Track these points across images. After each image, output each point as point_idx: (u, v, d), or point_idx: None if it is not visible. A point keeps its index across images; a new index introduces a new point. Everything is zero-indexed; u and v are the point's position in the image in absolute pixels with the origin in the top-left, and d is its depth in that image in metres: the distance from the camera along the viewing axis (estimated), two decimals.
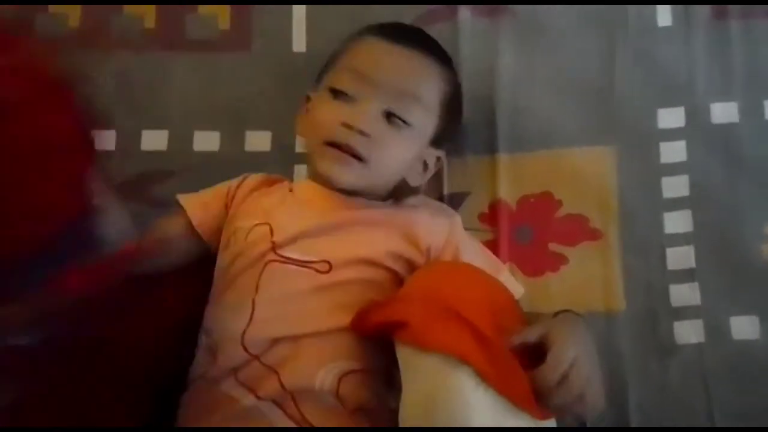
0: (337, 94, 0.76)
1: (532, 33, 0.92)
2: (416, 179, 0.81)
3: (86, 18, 0.93)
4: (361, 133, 0.74)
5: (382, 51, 0.78)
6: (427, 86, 0.78)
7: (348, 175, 0.75)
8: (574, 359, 0.62)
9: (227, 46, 0.93)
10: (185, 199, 0.81)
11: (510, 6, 0.92)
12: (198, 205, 0.81)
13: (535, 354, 0.64)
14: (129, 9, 0.94)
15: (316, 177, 0.78)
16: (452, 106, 0.82)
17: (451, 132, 0.83)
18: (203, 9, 0.94)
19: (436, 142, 0.81)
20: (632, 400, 0.83)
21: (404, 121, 0.76)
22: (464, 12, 0.92)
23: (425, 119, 0.78)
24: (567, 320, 0.70)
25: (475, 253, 0.80)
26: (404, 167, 0.79)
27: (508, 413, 0.60)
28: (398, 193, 0.82)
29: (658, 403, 0.83)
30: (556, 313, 0.73)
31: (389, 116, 0.76)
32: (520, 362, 0.62)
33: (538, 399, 0.61)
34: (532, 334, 0.64)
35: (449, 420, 0.60)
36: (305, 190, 0.79)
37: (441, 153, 0.83)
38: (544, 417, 0.62)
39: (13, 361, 0.61)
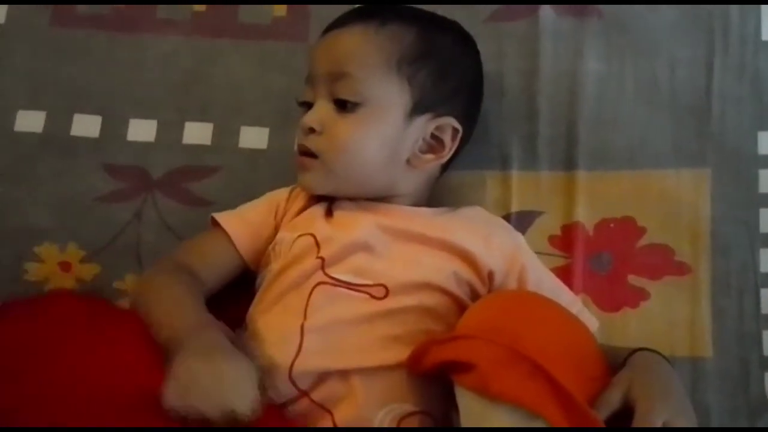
0: (304, 106, 0.74)
1: (622, 36, 0.84)
2: (426, 159, 0.72)
3: None
4: (310, 130, 0.71)
5: (318, 47, 0.74)
6: (357, 57, 0.70)
7: (311, 179, 0.72)
8: (664, 423, 0.54)
9: (282, 34, 0.86)
10: (226, 222, 0.74)
11: (598, 7, 0.84)
12: (242, 228, 0.74)
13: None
14: None
15: None
16: (418, 63, 0.71)
17: (443, 94, 0.72)
18: None
19: (428, 110, 0.71)
20: None
21: (352, 102, 0.70)
22: (546, 10, 0.84)
23: (378, 88, 0.70)
24: (649, 367, 0.61)
25: (543, 281, 0.72)
26: (382, 149, 0.70)
27: None
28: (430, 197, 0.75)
29: None
30: (634, 351, 0.63)
31: (339, 104, 0.70)
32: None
33: None
34: (614, 400, 0.56)
35: None
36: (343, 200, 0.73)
37: (451, 121, 0.72)
38: None
39: None
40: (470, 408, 0.55)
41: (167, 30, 0.87)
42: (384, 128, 0.70)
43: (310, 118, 0.71)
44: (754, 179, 0.79)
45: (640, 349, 0.64)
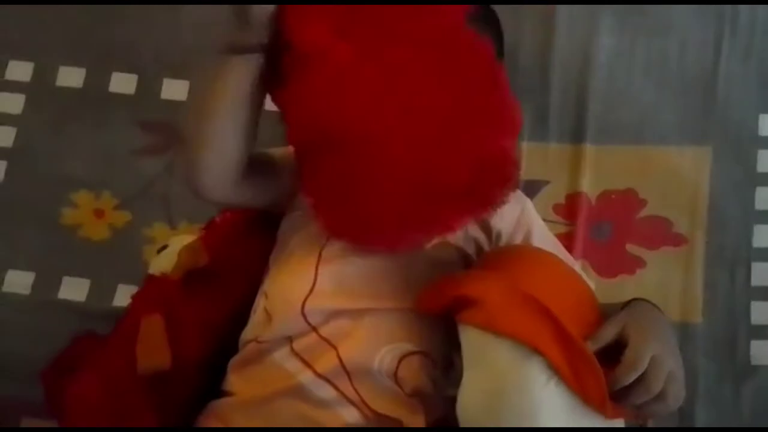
0: None
1: (635, 13, 0.87)
2: None
3: None
4: None
5: None
6: None
7: None
8: (653, 357, 0.58)
9: None
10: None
11: None
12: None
13: (612, 349, 0.59)
14: None
15: None
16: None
17: None
18: None
19: None
20: (699, 419, 0.78)
21: None
22: None
23: None
24: (643, 312, 0.65)
25: (546, 245, 0.75)
26: None
27: (578, 412, 0.56)
28: None
29: (727, 426, 0.78)
30: (627, 302, 0.68)
31: None
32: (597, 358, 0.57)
33: (613, 398, 0.56)
34: (608, 335, 0.59)
35: (514, 413, 0.56)
36: None
37: None
38: (617, 417, 0.57)
39: None
40: (472, 344, 0.59)
41: None
42: None
43: None
44: (754, 159, 0.83)
45: (637, 299, 0.68)
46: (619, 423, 0.60)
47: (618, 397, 0.56)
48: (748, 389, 0.78)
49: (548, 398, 0.56)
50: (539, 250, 0.68)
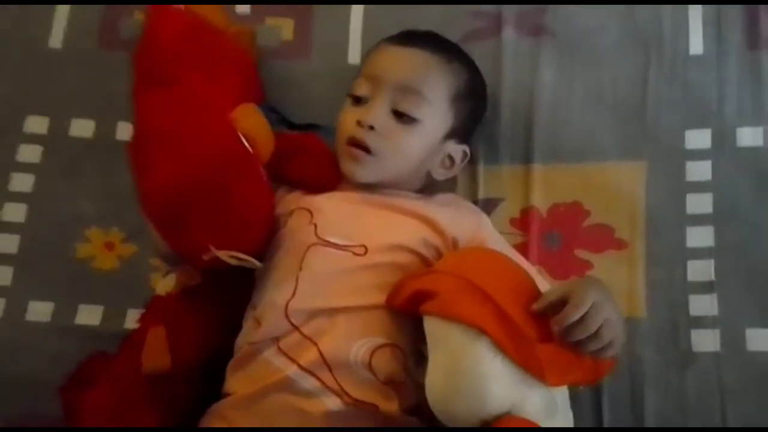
0: (355, 99, 0.85)
1: (572, 52, 0.98)
2: (441, 173, 0.88)
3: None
4: (370, 128, 0.82)
5: (390, 53, 0.87)
6: (430, 82, 0.84)
7: (361, 170, 0.84)
8: (594, 303, 0.68)
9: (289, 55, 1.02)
10: None
11: (551, 27, 0.99)
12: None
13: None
14: None
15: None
16: (465, 101, 0.87)
17: (472, 126, 0.89)
18: (270, 20, 1.03)
19: (458, 136, 0.88)
20: (649, 405, 0.87)
21: (411, 117, 0.83)
22: (508, 31, 0.99)
23: (434, 113, 0.85)
24: (587, 279, 0.78)
25: (504, 250, 0.86)
26: (419, 160, 0.85)
27: (523, 383, 0.66)
28: (429, 189, 0.89)
29: (675, 410, 0.87)
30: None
31: (397, 114, 0.83)
32: (546, 329, 0.68)
33: (555, 363, 0.66)
34: (551, 295, 0.70)
35: (469, 387, 0.66)
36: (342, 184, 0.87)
37: (465, 147, 0.89)
38: (558, 384, 0.67)
39: None
40: (432, 330, 0.70)
41: None
42: (427, 145, 0.85)
43: (373, 118, 0.82)
44: (683, 170, 0.93)
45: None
46: (563, 392, 0.70)
47: (562, 337, 0.66)
48: (691, 374, 0.87)
49: (496, 372, 0.66)
50: (485, 249, 0.79)
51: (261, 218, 0.79)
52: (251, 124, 0.77)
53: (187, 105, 0.76)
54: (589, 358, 0.70)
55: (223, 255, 0.75)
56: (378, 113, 0.83)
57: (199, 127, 0.74)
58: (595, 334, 0.67)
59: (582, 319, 0.67)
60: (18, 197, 1.00)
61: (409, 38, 0.88)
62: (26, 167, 1.01)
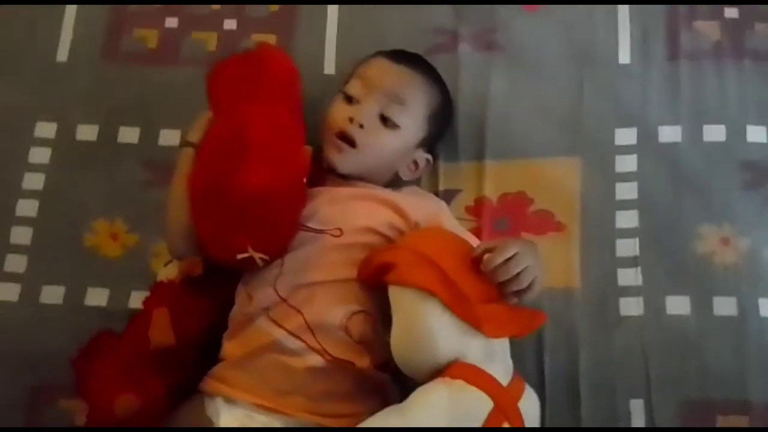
0: (348, 97, 0.98)
1: (519, 66, 1.12)
2: (407, 174, 1.02)
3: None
4: (360, 125, 0.94)
5: (385, 65, 1.00)
6: (416, 96, 0.99)
7: (344, 161, 0.95)
8: (517, 252, 0.82)
9: None
10: None
11: (502, 43, 1.13)
12: None
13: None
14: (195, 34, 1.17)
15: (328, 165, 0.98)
16: (439, 117, 1.02)
17: (437, 139, 1.04)
18: (255, 36, 1.16)
19: (425, 146, 1.02)
20: (583, 364, 1.01)
21: (394, 123, 0.97)
22: (464, 46, 1.13)
23: (412, 124, 0.99)
24: (517, 238, 0.92)
25: (456, 230, 0.99)
26: (393, 160, 0.99)
27: (465, 334, 0.80)
28: (394, 185, 1.03)
29: (605, 367, 1.01)
30: None
31: (383, 119, 0.97)
32: (490, 292, 0.81)
33: (493, 317, 0.80)
34: (483, 245, 0.84)
35: (422, 340, 0.81)
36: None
37: (429, 156, 1.03)
38: (495, 336, 0.81)
39: None
40: (393, 296, 0.83)
41: (187, 63, 1.15)
42: (402, 149, 0.99)
43: (364, 118, 0.94)
44: (612, 163, 1.07)
45: None
46: (502, 342, 0.84)
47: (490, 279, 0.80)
48: (619, 334, 1.01)
49: (443, 326, 0.80)
50: (437, 228, 0.94)
51: (293, 234, 0.91)
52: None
53: (288, 127, 0.90)
54: (524, 315, 0.84)
55: (257, 257, 0.87)
56: (369, 114, 0.95)
57: (295, 149, 0.89)
58: (516, 277, 0.81)
59: (505, 262, 0.81)
60: (30, 194, 1.11)
61: (403, 57, 1.02)
62: (37, 167, 1.13)
